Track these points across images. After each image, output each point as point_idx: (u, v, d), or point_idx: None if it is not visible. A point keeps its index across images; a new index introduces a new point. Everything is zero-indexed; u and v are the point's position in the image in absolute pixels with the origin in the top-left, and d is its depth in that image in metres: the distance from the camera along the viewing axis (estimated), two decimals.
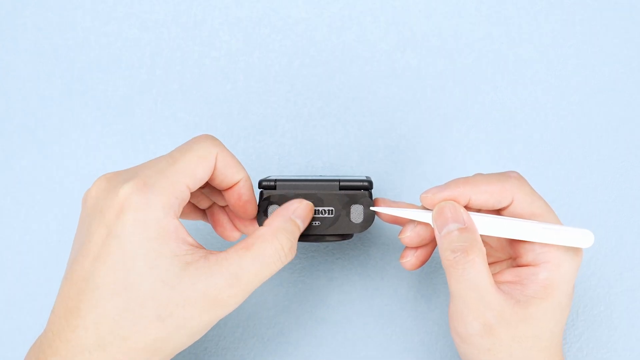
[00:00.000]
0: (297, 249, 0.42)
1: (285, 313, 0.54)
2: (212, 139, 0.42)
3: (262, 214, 0.45)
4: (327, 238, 0.46)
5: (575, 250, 0.43)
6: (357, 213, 0.45)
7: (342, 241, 0.49)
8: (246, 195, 0.44)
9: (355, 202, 0.45)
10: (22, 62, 0.56)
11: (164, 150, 0.55)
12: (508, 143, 0.55)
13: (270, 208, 0.45)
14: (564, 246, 0.43)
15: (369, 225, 0.45)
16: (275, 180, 0.45)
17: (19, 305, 0.54)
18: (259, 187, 0.45)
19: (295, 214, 0.43)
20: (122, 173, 0.41)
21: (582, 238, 0.43)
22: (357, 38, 0.56)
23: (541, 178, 0.55)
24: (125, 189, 0.38)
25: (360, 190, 0.45)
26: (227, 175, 0.43)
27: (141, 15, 0.56)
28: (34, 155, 0.55)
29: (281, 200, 0.44)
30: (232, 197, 0.44)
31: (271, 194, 0.45)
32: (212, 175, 0.43)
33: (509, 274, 0.44)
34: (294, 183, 0.45)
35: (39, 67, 0.56)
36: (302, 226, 0.43)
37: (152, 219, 0.38)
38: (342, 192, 0.45)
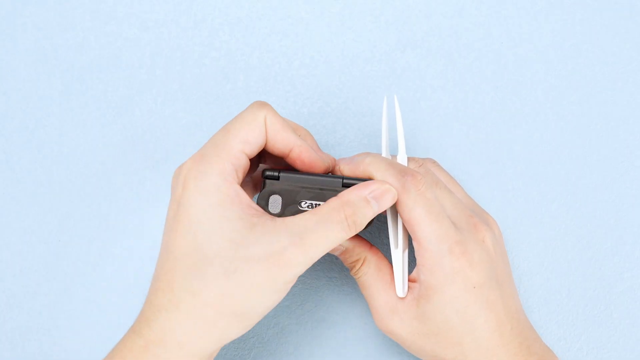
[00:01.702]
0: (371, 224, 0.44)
1: (285, 313, 0.54)
2: (260, 104, 0.43)
3: (263, 204, 0.45)
4: None
5: (450, 257, 0.45)
6: None
7: None
8: (307, 159, 0.45)
9: None
10: (22, 62, 0.56)
11: (163, 150, 0.55)
12: (508, 143, 0.55)
13: (272, 198, 0.45)
14: (435, 252, 0.45)
15: (370, 225, 0.45)
16: (280, 171, 0.45)
17: (19, 305, 0.54)
18: (262, 177, 0.45)
19: (372, 194, 0.43)
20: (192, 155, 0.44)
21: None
22: (357, 38, 0.56)
23: (541, 178, 0.55)
24: (186, 165, 0.42)
25: None
26: (278, 140, 0.44)
27: (141, 15, 0.56)
28: (34, 155, 0.55)
29: (283, 192, 0.44)
30: (295, 164, 0.45)
31: (274, 185, 0.45)
32: (266, 141, 0.44)
33: (415, 272, 0.47)
34: (297, 176, 0.45)
35: (39, 67, 0.56)
36: (376, 208, 0.43)
37: (212, 185, 0.41)
38: (345, 189, 0.45)
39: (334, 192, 0.44)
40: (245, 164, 0.43)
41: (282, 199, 0.45)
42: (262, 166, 0.48)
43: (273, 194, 0.44)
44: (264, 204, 0.45)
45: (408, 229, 0.46)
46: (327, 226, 0.41)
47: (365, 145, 0.55)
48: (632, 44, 0.56)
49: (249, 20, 0.56)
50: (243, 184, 0.46)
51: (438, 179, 0.48)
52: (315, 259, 0.41)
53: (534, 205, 0.55)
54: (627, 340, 0.54)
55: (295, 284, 0.54)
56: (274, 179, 0.45)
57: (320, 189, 0.45)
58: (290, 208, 0.45)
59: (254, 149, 0.43)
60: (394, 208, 0.48)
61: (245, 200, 0.41)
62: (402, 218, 0.46)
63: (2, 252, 0.54)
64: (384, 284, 0.47)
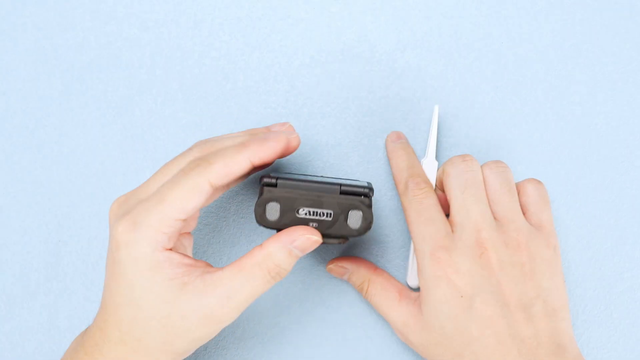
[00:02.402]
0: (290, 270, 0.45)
1: (285, 313, 0.54)
2: (201, 167, 0.43)
3: (260, 211, 0.44)
4: (324, 240, 0.46)
5: (430, 259, 0.46)
6: (355, 218, 0.45)
7: (339, 244, 0.50)
8: (267, 159, 0.46)
9: (355, 208, 0.44)
10: (22, 62, 0.56)
11: (164, 150, 0.55)
12: (508, 143, 0.55)
13: (269, 206, 0.44)
14: (420, 253, 0.48)
15: (366, 232, 0.45)
16: (277, 178, 0.45)
17: (19, 305, 0.54)
18: (260, 184, 0.45)
19: (294, 244, 0.44)
20: (124, 202, 0.45)
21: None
22: (357, 38, 0.56)
23: (541, 178, 0.55)
24: (119, 228, 0.43)
25: (360, 197, 0.45)
26: (231, 183, 0.47)
27: (141, 15, 0.56)
28: (34, 155, 0.55)
29: (281, 199, 0.44)
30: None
31: (271, 192, 0.44)
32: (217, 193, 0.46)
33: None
34: (295, 182, 0.45)
35: (39, 67, 0.56)
36: (299, 255, 0.44)
37: (141, 254, 0.43)
38: (342, 196, 0.45)
39: (332, 199, 0.44)
40: (179, 226, 0.43)
41: (280, 206, 0.44)
42: (258, 170, 0.49)
43: (270, 201, 0.44)
44: (261, 212, 0.44)
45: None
46: (252, 283, 0.43)
47: (365, 145, 0.55)
48: (632, 44, 0.56)
49: (249, 20, 0.56)
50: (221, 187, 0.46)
51: (477, 182, 0.48)
52: (242, 310, 0.44)
53: None
54: (627, 340, 0.54)
55: (295, 284, 0.54)
56: (271, 186, 0.45)
57: (318, 196, 0.44)
58: (288, 215, 0.44)
59: (192, 212, 0.43)
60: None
61: (175, 262, 0.43)
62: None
63: (2, 252, 0.54)
64: (392, 301, 0.50)
